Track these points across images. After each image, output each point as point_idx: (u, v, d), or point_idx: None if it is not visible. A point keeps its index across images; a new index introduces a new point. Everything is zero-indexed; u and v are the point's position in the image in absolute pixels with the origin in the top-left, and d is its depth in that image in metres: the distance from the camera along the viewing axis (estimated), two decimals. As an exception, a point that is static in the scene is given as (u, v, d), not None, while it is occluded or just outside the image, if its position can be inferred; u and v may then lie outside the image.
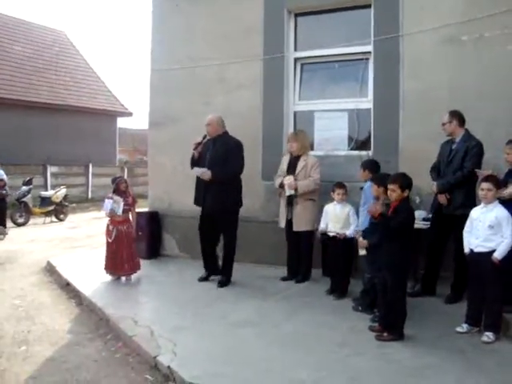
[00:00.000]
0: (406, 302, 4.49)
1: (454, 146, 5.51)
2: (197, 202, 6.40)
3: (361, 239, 4.94)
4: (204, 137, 6.32)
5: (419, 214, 5.75)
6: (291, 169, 6.38)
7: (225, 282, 6.29)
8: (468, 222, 4.68)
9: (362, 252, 5.06)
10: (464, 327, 4.59)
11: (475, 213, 4.63)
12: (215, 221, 6.31)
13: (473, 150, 5.33)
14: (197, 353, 4.22)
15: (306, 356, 4.13)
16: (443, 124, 5.55)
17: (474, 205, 4.95)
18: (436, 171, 5.68)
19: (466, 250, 4.64)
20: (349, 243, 5.66)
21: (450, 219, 5.42)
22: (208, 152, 6.24)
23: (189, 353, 4.20)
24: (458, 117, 5.49)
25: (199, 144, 6.28)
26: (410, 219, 4.45)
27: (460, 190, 5.36)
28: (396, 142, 6.53)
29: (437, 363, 3.94)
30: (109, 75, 64.08)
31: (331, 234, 5.75)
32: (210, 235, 6.45)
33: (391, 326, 4.44)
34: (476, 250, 4.52)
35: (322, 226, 5.88)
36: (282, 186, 6.38)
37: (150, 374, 4.03)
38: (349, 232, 5.63)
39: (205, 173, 6.07)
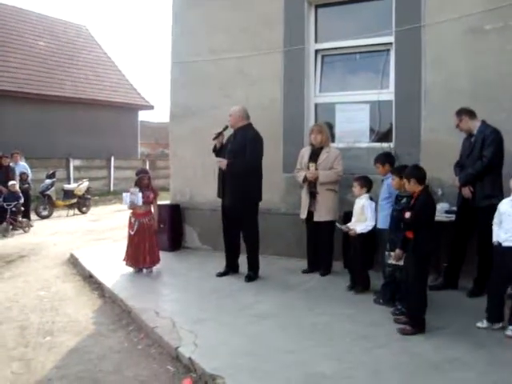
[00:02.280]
0: (426, 293, 4.47)
1: (472, 139, 5.44)
2: (218, 194, 6.42)
3: (397, 251, 4.61)
4: (225, 128, 6.32)
5: (441, 207, 5.69)
6: (313, 160, 6.36)
7: (252, 277, 6.27)
8: (496, 213, 4.59)
9: (398, 262, 4.68)
10: (484, 322, 4.52)
11: (503, 206, 4.53)
12: (236, 214, 6.30)
13: (489, 138, 5.25)
14: (218, 344, 4.24)
15: (326, 348, 4.12)
16: (457, 126, 5.49)
17: (501, 195, 4.90)
18: (459, 166, 5.61)
19: (495, 239, 4.54)
20: (367, 237, 5.59)
21: (475, 212, 5.35)
22: (230, 143, 6.25)
23: (210, 344, 4.23)
24: (464, 112, 5.43)
25: (219, 134, 6.28)
26: (426, 211, 4.42)
27: (484, 180, 5.28)
28: (418, 134, 6.46)
29: (459, 357, 3.90)
30: (130, 69, 64.49)
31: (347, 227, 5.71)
32: (231, 228, 6.44)
33: (413, 317, 4.41)
34: (504, 244, 4.43)
35: None
36: (305, 180, 6.36)
37: (172, 364, 4.07)
38: (359, 228, 5.54)
39: (221, 162, 6.09)
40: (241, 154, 6.09)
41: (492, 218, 4.72)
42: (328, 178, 6.25)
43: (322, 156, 6.33)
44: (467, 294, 5.44)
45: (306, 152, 6.53)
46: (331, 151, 6.39)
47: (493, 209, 4.87)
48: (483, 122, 5.39)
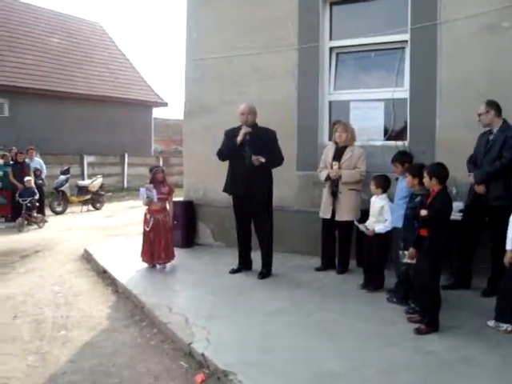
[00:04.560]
0: (439, 291, 4.45)
1: (491, 137, 5.38)
2: (232, 191, 6.34)
3: (412, 250, 4.55)
4: (246, 125, 6.20)
5: (456, 206, 5.62)
6: (336, 158, 6.30)
7: (266, 274, 6.27)
8: None
9: (413, 261, 4.62)
10: (492, 322, 4.48)
11: None
12: (251, 211, 6.29)
13: (511, 140, 5.20)
14: (230, 341, 4.26)
15: (338, 346, 4.12)
16: (479, 115, 5.41)
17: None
18: (472, 163, 5.57)
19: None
20: (384, 237, 5.55)
21: (487, 210, 5.34)
22: (248, 141, 6.09)
23: (222, 341, 4.24)
24: (495, 107, 5.35)
25: (247, 134, 6.14)
26: (445, 209, 4.39)
27: (498, 181, 5.25)
28: (433, 132, 6.42)
29: (473, 356, 3.88)
30: (144, 66, 64.75)
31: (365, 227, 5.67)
32: (247, 225, 6.42)
33: (427, 316, 4.39)
34: None
35: None
36: (328, 178, 6.31)
37: (185, 360, 4.09)
38: (378, 228, 5.50)
39: (260, 158, 5.98)
40: (265, 150, 6.04)
41: (502, 219, 4.74)
42: (351, 178, 6.20)
43: (346, 155, 6.27)
44: (481, 293, 5.40)
45: (329, 150, 6.47)
46: (355, 150, 6.32)
47: (503, 210, 4.91)
48: (505, 121, 5.35)
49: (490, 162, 5.30)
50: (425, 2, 6.49)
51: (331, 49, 7.38)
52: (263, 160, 5.99)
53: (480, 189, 5.34)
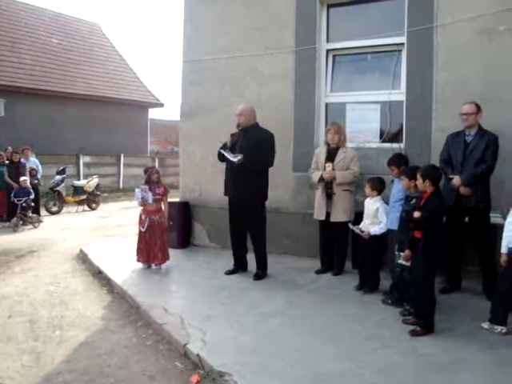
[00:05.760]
0: (434, 293, 4.47)
1: (469, 139, 5.43)
2: (226, 192, 6.40)
3: (407, 252, 4.56)
4: (238, 127, 6.27)
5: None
6: (329, 160, 6.29)
7: (261, 275, 6.28)
8: (510, 218, 4.59)
9: (407, 263, 4.65)
10: (487, 323, 4.49)
11: None
12: (244, 212, 6.30)
13: (494, 145, 5.29)
14: (226, 342, 4.26)
15: (334, 348, 4.13)
16: (469, 114, 5.40)
17: (489, 201, 5.27)
18: (449, 164, 5.55)
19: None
20: (379, 239, 5.56)
21: (468, 212, 5.41)
22: (238, 142, 6.16)
23: (218, 341, 4.25)
24: (480, 110, 5.41)
25: (234, 135, 6.23)
26: (437, 211, 4.41)
27: (479, 183, 5.31)
28: (428, 135, 6.44)
29: (468, 358, 3.89)
30: (141, 66, 64.68)
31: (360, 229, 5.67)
32: (240, 227, 6.42)
33: (423, 318, 4.40)
34: None
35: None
36: (321, 180, 6.28)
37: (180, 361, 4.09)
38: (373, 230, 5.51)
39: (236, 157, 5.97)
40: (255, 152, 6.03)
41: (485, 220, 5.12)
42: (345, 179, 6.19)
43: (339, 156, 6.26)
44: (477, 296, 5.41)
45: (321, 152, 6.46)
46: (348, 152, 6.32)
47: (485, 211, 5.24)
48: (479, 124, 5.44)
49: (473, 164, 5.33)
50: (421, 5, 6.50)
51: (328, 51, 7.39)
52: (240, 157, 5.97)
53: (466, 190, 5.34)
